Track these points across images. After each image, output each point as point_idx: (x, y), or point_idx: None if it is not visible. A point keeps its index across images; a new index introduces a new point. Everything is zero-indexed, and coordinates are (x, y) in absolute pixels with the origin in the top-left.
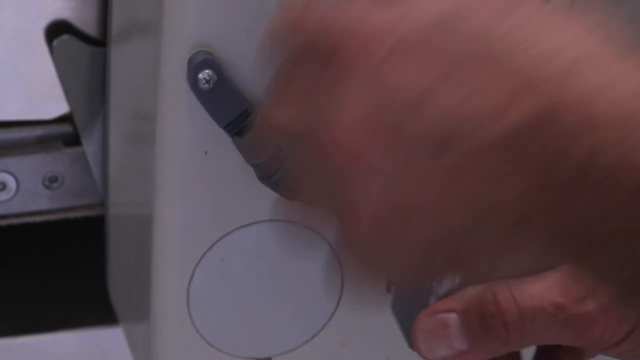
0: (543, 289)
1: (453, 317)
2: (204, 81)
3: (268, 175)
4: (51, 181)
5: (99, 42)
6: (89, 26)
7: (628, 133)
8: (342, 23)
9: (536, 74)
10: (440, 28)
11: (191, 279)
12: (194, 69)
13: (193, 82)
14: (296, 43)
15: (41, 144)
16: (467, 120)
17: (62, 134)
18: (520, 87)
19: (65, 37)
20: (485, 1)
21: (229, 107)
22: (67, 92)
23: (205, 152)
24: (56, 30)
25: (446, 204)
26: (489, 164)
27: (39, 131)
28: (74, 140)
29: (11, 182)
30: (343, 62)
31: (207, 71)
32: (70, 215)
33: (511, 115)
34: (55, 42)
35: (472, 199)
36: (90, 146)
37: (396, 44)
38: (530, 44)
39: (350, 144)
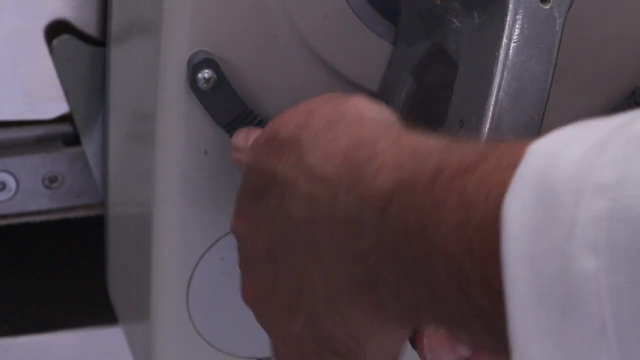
0: None
1: None
2: (203, 81)
3: None
4: (51, 181)
5: (99, 42)
6: (89, 26)
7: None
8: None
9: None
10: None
11: (191, 279)
12: (194, 69)
13: (193, 82)
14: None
15: (41, 144)
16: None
17: (62, 134)
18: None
19: (65, 37)
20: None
21: (229, 107)
22: (67, 92)
23: (205, 152)
24: (56, 30)
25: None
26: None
27: (39, 131)
28: (74, 140)
29: (11, 182)
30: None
31: (207, 71)
32: (70, 215)
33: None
34: (55, 42)
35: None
36: (90, 146)
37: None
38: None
39: None
